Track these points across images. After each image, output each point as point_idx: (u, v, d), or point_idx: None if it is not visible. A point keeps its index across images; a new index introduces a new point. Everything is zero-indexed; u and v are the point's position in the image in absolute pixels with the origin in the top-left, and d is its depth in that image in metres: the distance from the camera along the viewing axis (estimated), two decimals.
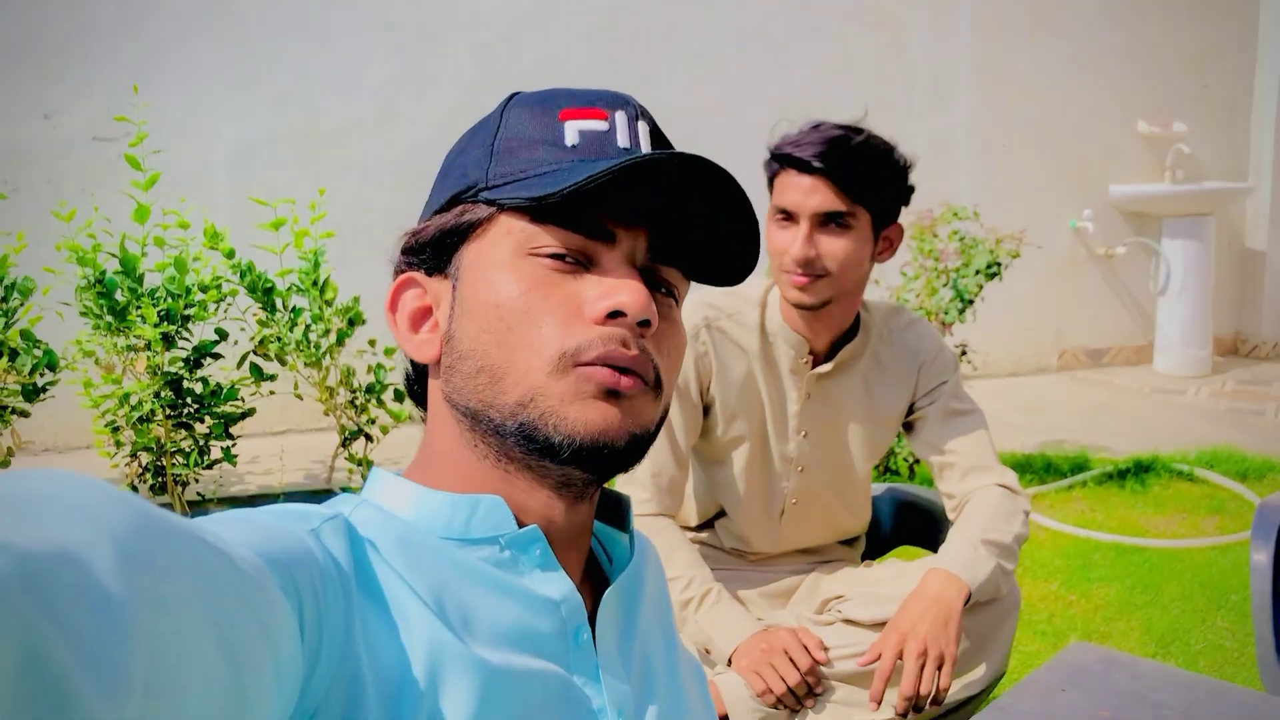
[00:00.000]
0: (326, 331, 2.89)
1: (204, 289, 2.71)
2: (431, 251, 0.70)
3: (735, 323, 1.68)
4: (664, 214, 0.68)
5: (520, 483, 0.67)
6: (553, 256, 0.66)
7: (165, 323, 2.62)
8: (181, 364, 2.75)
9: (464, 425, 0.68)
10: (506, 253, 0.66)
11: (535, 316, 0.64)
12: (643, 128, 0.70)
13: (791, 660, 1.52)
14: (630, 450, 0.66)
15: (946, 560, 1.56)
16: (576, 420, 0.63)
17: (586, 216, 0.65)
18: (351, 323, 2.93)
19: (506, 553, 0.67)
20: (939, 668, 1.46)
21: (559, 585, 0.67)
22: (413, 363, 0.74)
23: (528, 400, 0.64)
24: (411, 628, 0.59)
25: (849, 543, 1.92)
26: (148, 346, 2.64)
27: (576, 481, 0.67)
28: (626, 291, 0.64)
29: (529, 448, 0.64)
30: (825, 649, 1.56)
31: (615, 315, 0.64)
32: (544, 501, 0.68)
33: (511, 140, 0.68)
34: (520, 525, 0.67)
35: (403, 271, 0.72)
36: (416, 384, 0.75)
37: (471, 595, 0.63)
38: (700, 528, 1.85)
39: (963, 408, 1.74)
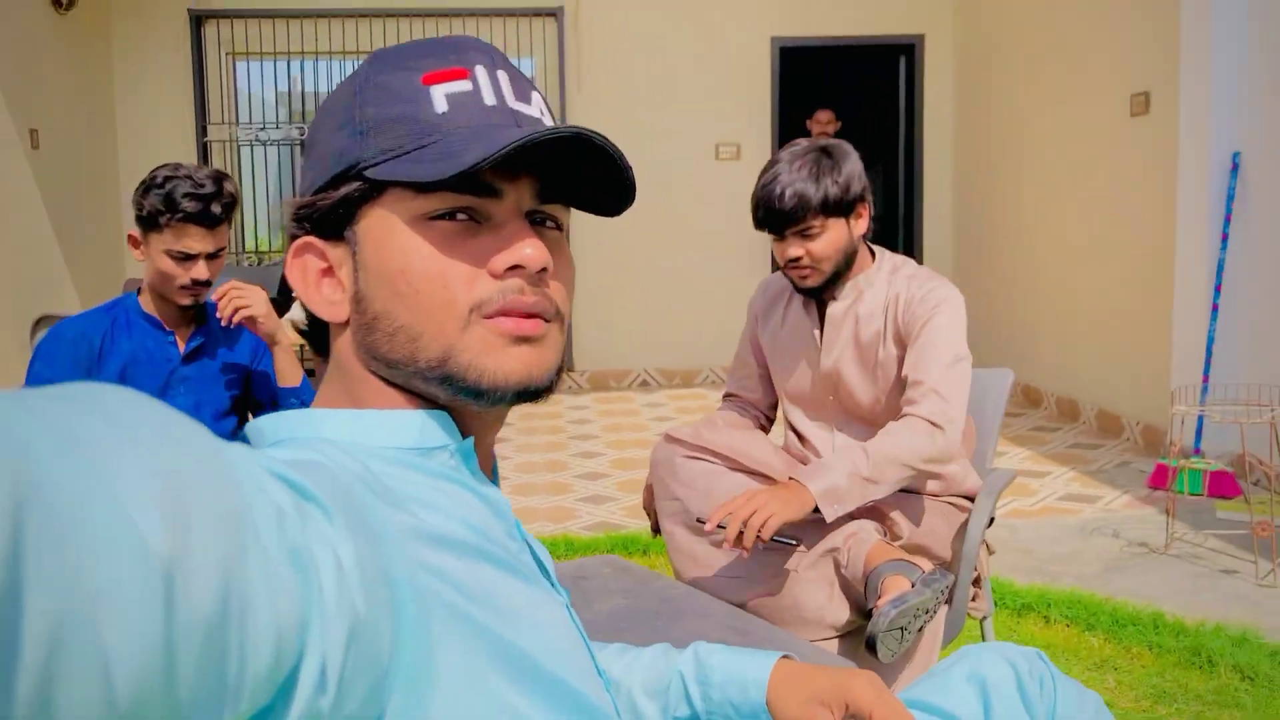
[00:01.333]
0: None
1: None
2: (326, 222, 0.74)
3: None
4: (542, 164, 0.74)
5: (449, 409, 0.74)
6: (446, 217, 0.71)
7: None
8: None
9: (385, 372, 0.73)
10: (403, 220, 0.71)
11: (440, 278, 0.70)
12: (503, 78, 0.74)
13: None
14: (551, 382, 0.74)
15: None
16: (497, 370, 0.71)
17: (473, 177, 0.70)
18: None
19: (454, 460, 0.72)
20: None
21: (492, 490, 0.75)
22: (311, 316, 0.78)
23: (447, 356, 0.70)
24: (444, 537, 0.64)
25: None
26: None
27: (501, 414, 0.76)
28: (525, 246, 0.70)
29: (455, 391, 0.71)
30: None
31: (514, 268, 0.70)
32: (468, 421, 0.75)
33: (380, 113, 0.72)
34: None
35: (297, 236, 0.76)
36: (315, 334, 0.80)
37: (445, 497, 0.68)
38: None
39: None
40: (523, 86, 0.76)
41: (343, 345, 0.76)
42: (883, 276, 2.14)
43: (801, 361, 2.23)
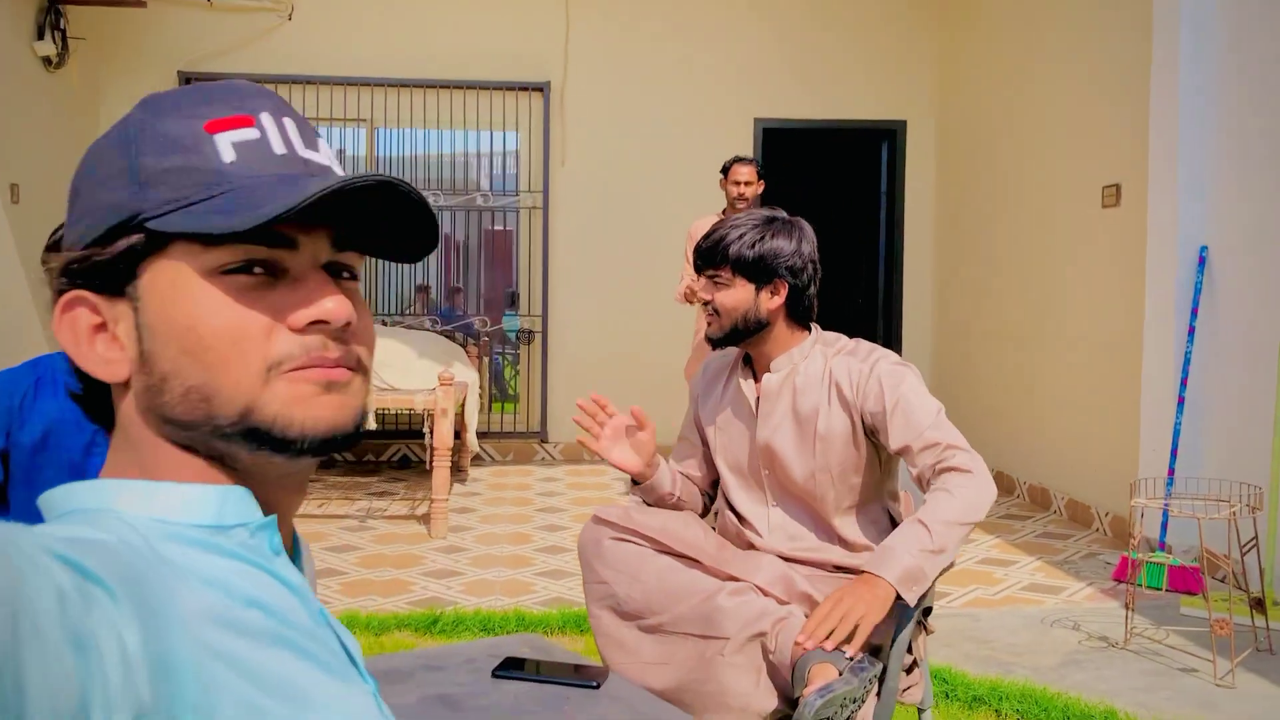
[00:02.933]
0: None
1: None
2: (100, 277, 0.69)
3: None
4: (341, 213, 0.71)
5: (247, 478, 0.70)
6: (238, 271, 0.67)
7: None
8: None
9: (177, 435, 0.69)
10: (192, 275, 0.67)
11: (233, 334, 0.66)
12: (290, 125, 0.72)
13: None
14: (358, 429, 0.71)
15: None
16: (306, 419, 0.68)
17: (267, 229, 0.66)
18: None
19: (253, 539, 0.68)
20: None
21: (293, 572, 0.70)
22: (84, 378, 0.73)
23: (249, 411, 0.67)
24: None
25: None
26: None
27: (305, 469, 0.72)
28: (327, 300, 0.68)
29: (258, 446, 0.67)
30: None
31: (316, 323, 0.68)
32: (269, 493, 0.71)
33: (161, 163, 0.68)
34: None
35: (64, 291, 0.70)
36: (91, 398, 0.74)
37: (241, 579, 0.64)
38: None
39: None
40: (309, 134, 0.73)
41: (127, 409, 0.71)
42: (818, 350, 2.18)
43: (739, 434, 2.23)
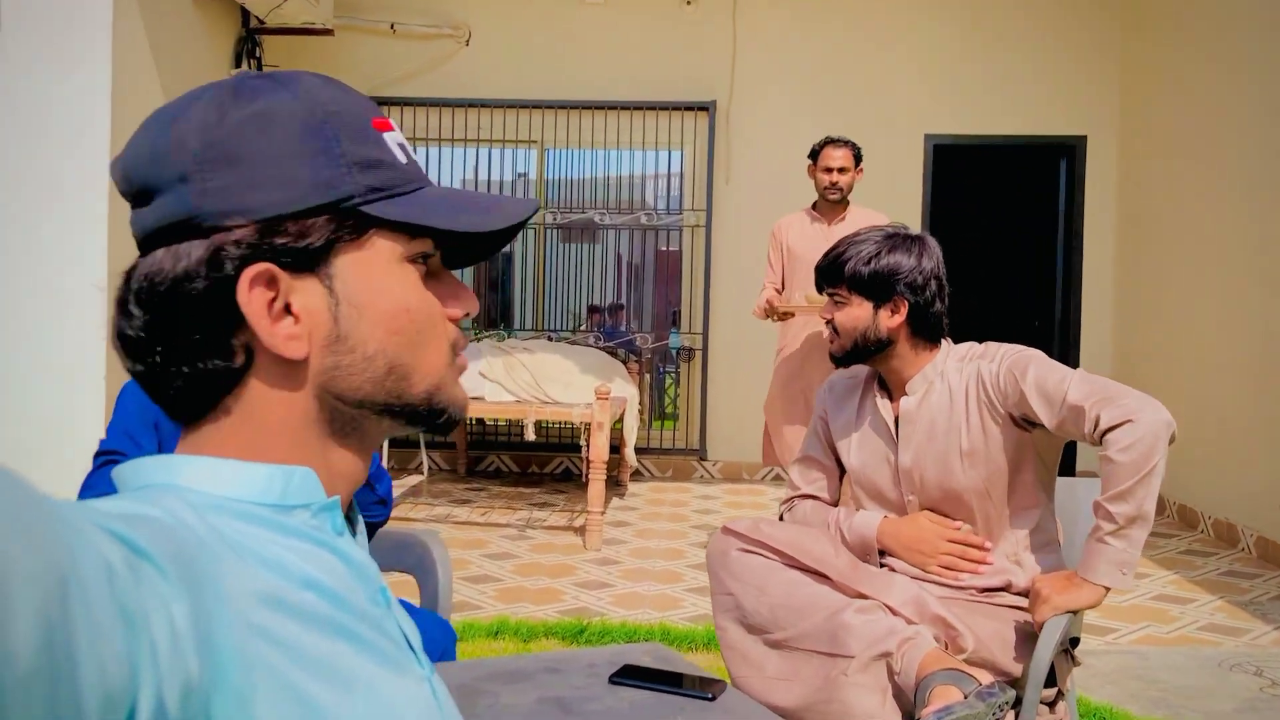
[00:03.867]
0: None
1: None
2: (295, 253, 0.68)
3: None
4: None
5: (337, 454, 0.73)
6: (418, 261, 0.73)
7: None
8: None
9: (340, 413, 0.72)
10: (394, 260, 0.71)
11: (432, 318, 0.73)
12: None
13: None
14: None
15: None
16: (459, 398, 0.76)
17: (449, 231, 0.73)
18: None
19: (315, 520, 0.70)
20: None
21: (357, 550, 0.72)
22: (189, 364, 0.69)
23: (436, 390, 0.74)
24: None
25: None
26: None
27: (366, 468, 0.77)
28: (471, 297, 0.77)
29: (430, 421, 0.75)
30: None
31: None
32: (346, 471, 0.74)
33: (359, 150, 0.70)
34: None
35: (247, 259, 0.67)
36: (153, 378, 0.70)
37: (299, 558, 0.65)
38: None
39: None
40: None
41: (257, 389, 0.69)
42: (951, 365, 2.12)
43: (877, 456, 2.18)
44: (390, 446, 6.93)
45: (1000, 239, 7.66)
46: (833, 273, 2.13)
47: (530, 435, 5.32)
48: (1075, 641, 2.05)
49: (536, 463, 7.22)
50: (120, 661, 0.46)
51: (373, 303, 0.70)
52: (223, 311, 0.67)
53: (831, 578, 2.00)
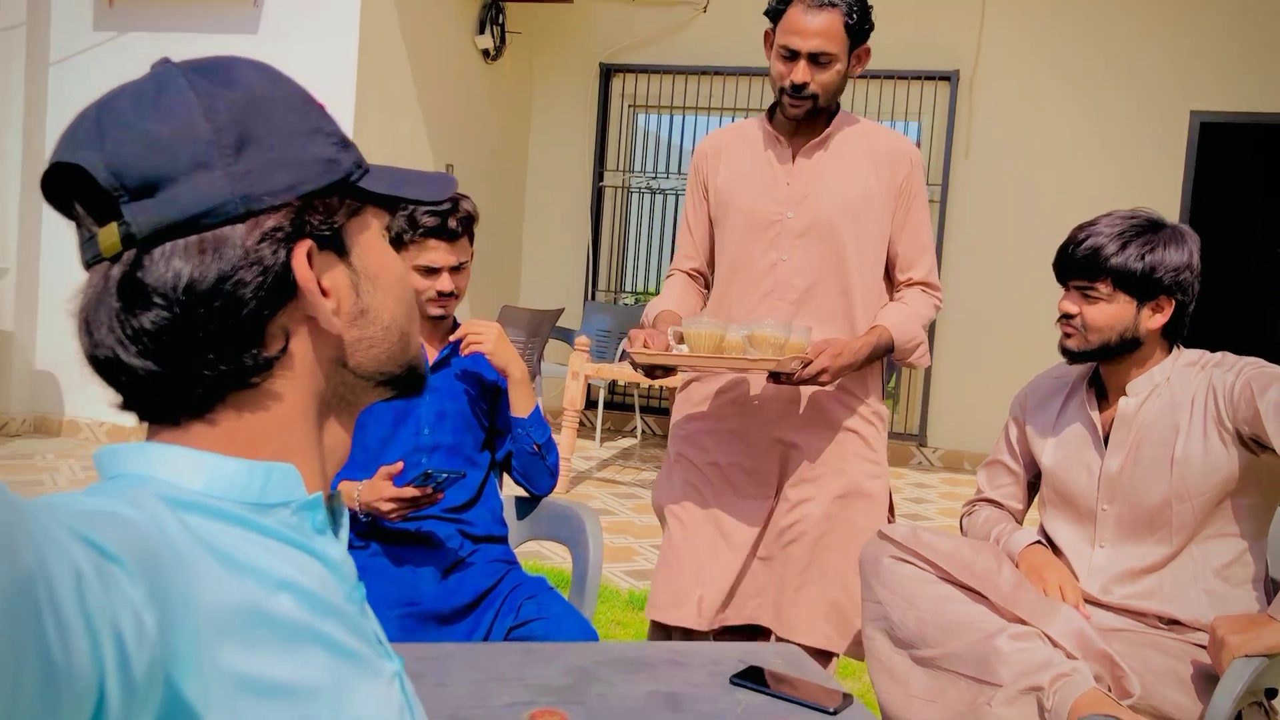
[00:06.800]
0: None
1: None
2: (321, 230, 0.69)
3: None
4: None
5: (330, 432, 0.74)
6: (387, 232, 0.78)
7: None
8: None
9: (337, 387, 0.73)
10: (379, 232, 0.76)
11: (412, 284, 0.78)
12: None
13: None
14: None
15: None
16: (424, 358, 0.81)
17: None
18: None
19: (294, 518, 0.69)
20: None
21: (335, 549, 0.72)
22: (251, 340, 0.67)
23: (418, 351, 0.78)
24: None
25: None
26: None
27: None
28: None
29: (395, 389, 0.77)
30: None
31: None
32: (336, 448, 0.75)
33: (337, 129, 0.73)
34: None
35: (294, 237, 0.68)
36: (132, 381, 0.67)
37: (275, 559, 0.65)
38: None
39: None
40: None
41: (277, 380, 0.69)
42: (1179, 368, 1.95)
43: (1076, 463, 2.02)
44: (605, 409, 7.06)
45: (1273, 228, 6.94)
46: (1090, 266, 1.91)
47: None
48: (1272, 693, 1.82)
49: None
50: (86, 667, 0.46)
51: (381, 274, 0.74)
52: (271, 294, 0.66)
53: (989, 597, 1.85)
